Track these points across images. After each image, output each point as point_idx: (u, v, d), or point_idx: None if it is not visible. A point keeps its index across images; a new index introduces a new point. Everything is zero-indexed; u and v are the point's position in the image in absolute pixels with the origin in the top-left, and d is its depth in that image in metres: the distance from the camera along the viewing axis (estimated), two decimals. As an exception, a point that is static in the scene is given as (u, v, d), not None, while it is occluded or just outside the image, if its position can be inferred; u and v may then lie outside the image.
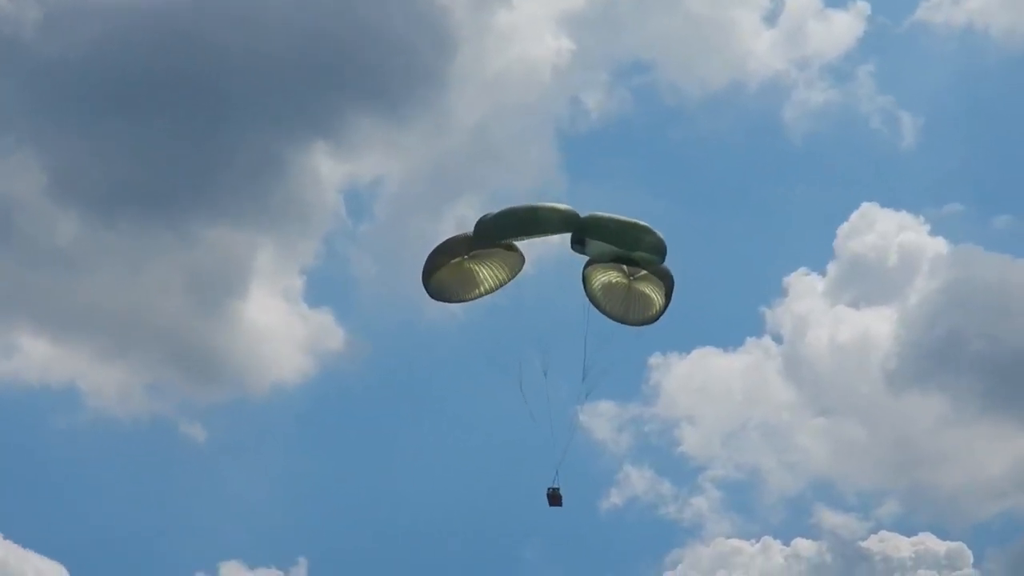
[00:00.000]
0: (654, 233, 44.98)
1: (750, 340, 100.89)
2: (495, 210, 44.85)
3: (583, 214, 44.56)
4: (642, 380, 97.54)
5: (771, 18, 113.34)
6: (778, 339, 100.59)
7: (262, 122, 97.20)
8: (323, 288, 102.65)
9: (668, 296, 46.09)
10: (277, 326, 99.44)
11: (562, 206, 44.65)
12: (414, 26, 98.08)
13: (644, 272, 45.68)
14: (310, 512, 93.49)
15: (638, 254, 44.99)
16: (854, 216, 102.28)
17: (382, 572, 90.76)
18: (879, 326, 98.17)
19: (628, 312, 46.25)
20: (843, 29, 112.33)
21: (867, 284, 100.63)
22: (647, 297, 46.08)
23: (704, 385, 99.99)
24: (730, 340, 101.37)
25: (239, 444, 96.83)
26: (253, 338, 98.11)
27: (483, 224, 44.72)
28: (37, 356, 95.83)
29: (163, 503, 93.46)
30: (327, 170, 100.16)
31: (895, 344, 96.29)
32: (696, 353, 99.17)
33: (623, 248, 44.72)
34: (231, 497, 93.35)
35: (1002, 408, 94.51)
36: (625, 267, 45.66)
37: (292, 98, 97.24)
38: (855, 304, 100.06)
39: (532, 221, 44.20)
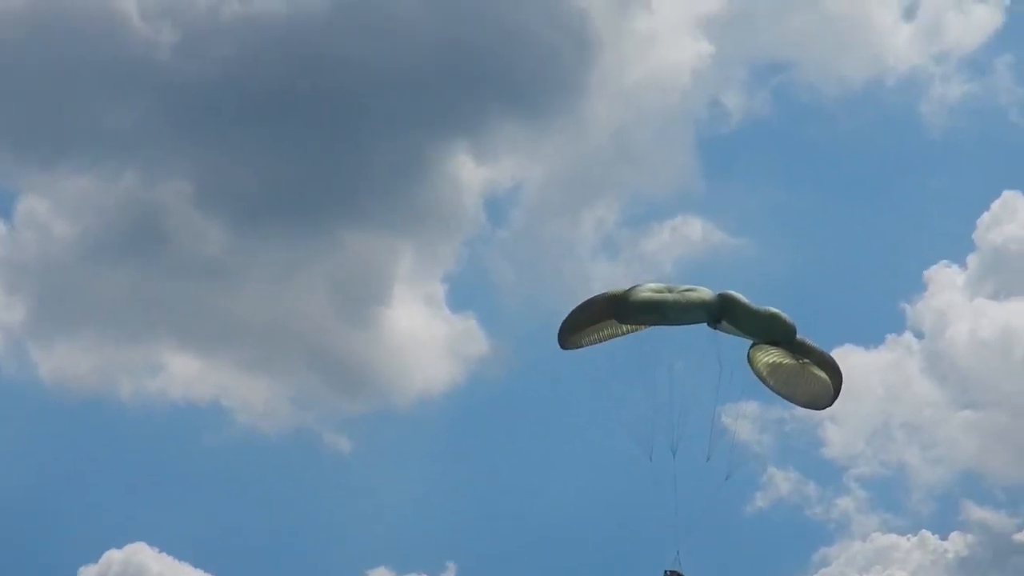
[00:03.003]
0: (785, 322, 45.85)
1: (890, 336, 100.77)
2: (640, 285, 45.36)
3: (716, 297, 45.33)
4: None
5: (909, 12, 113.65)
6: (919, 335, 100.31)
7: (402, 128, 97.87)
8: (465, 293, 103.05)
9: (838, 387, 47.08)
10: (421, 332, 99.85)
11: (703, 296, 45.30)
12: (554, 31, 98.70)
13: (809, 360, 46.57)
14: (458, 518, 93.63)
15: (769, 340, 46.11)
16: (995, 205, 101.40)
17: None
18: (1022, 318, 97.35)
19: (797, 392, 46.89)
20: (981, 21, 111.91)
21: (1009, 275, 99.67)
22: (820, 381, 46.81)
23: (846, 383, 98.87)
24: (871, 338, 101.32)
25: (385, 453, 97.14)
26: (397, 345, 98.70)
27: (625, 308, 45.22)
28: (182, 372, 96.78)
29: (311, 513, 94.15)
30: (467, 175, 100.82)
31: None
32: (836, 352, 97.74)
33: (755, 338, 45.82)
34: (378, 505, 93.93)
35: None
36: (793, 351, 46.34)
37: (432, 104, 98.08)
38: (996, 296, 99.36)
39: (673, 313, 44.90)
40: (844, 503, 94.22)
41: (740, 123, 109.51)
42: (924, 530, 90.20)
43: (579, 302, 46.03)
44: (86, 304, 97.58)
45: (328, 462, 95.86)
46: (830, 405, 47.48)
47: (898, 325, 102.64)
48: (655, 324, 45.09)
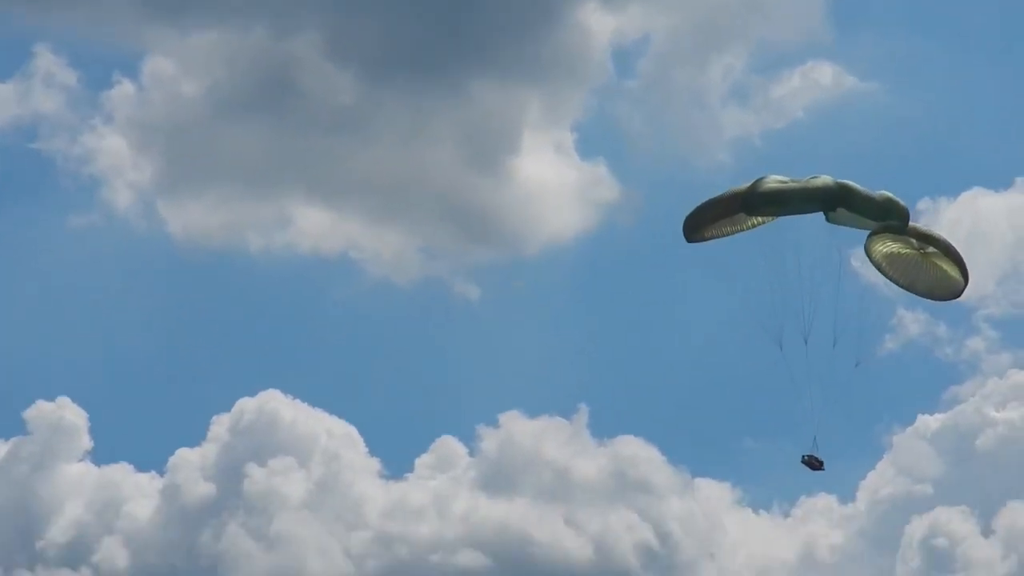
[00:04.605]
0: (898, 203, 45.08)
1: (1019, 179, 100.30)
2: (765, 177, 45.19)
3: (835, 183, 44.82)
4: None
5: None
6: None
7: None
8: (595, 142, 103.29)
9: (966, 278, 45.97)
10: (551, 180, 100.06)
11: (826, 181, 44.90)
12: None
13: (933, 249, 45.73)
14: (588, 362, 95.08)
15: (886, 223, 45.31)
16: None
17: (661, 416, 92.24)
18: None
19: (916, 281, 46.11)
20: None
21: None
22: (943, 271, 45.92)
23: (974, 227, 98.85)
24: (999, 180, 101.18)
25: (514, 301, 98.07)
26: (527, 193, 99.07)
27: (753, 200, 45.14)
28: (311, 225, 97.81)
29: (442, 360, 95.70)
30: (595, 24, 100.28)
31: None
32: (965, 196, 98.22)
33: (871, 217, 45.04)
34: (509, 351, 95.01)
35: None
36: (914, 240, 45.56)
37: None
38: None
39: (798, 200, 44.92)
40: (974, 343, 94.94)
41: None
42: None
43: (707, 185, 46.18)
44: (215, 160, 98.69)
45: (458, 310, 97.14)
46: (957, 297, 46.54)
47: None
48: (781, 214, 45.13)
